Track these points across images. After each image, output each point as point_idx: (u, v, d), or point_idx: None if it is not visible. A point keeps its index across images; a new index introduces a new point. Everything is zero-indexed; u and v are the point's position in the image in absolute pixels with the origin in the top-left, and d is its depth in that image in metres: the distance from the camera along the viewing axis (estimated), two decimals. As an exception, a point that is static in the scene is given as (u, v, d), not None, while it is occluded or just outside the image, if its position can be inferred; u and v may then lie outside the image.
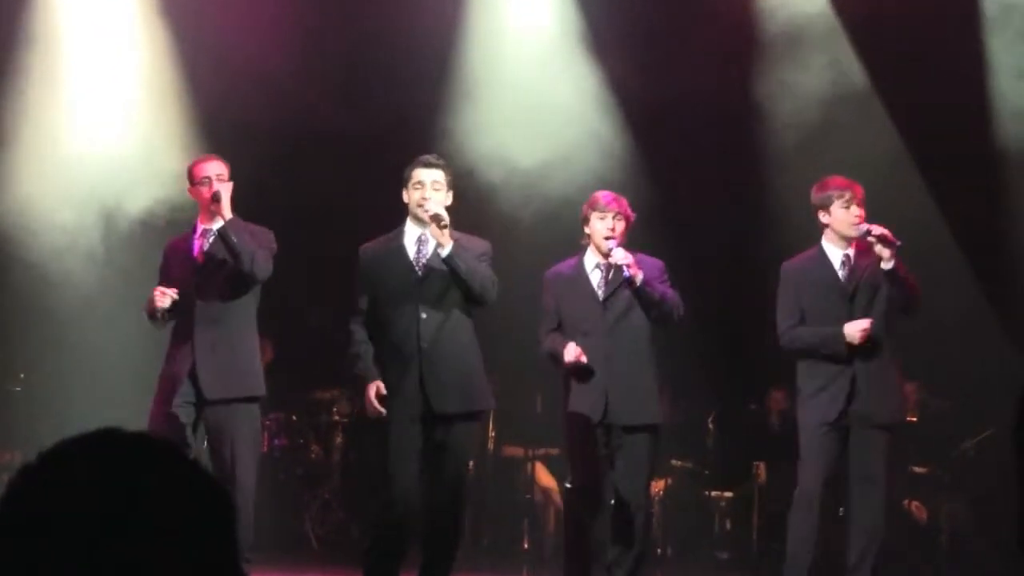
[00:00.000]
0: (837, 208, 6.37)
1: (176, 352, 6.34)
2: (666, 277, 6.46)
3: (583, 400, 6.39)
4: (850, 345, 6.26)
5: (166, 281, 6.42)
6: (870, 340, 6.28)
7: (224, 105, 9.19)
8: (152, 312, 6.31)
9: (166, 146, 9.14)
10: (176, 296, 6.25)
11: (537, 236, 8.76)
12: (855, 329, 6.24)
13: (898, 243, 6.20)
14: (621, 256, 6.24)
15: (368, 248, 6.21)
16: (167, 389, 6.31)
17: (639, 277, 6.24)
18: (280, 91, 9.38)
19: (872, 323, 6.25)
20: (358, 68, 9.54)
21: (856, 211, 6.34)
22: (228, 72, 9.17)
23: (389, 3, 9.59)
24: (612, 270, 6.40)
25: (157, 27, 9.44)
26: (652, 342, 6.49)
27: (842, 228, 6.37)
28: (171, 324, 6.43)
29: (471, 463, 9.57)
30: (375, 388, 5.98)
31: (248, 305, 6.42)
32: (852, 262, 6.40)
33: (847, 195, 6.35)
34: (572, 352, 6.30)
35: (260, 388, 6.42)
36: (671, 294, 6.39)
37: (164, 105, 9.46)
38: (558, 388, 6.74)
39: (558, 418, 6.78)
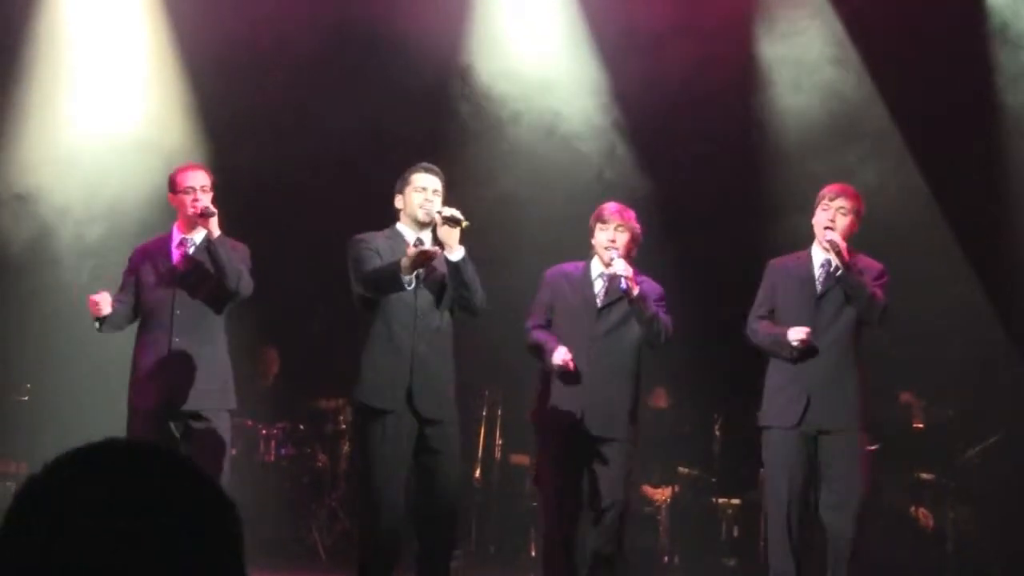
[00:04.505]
0: (818, 211, 6.41)
1: (148, 359, 6.31)
2: (663, 303, 6.49)
3: (558, 406, 6.40)
4: (798, 350, 6.24)
5: (135, 286, 6.40)
6: (831, 349, 6.28)
7: (227, 106, 9.21)
8: (97, 316, 6.28)
9: (170, 154, 9.16)
10: (110, 307, 6.23)
11: (537, 245, 8.76)
12: (794, 335, 6.23)
13: (845, 259, 6.21)
14: (621, 267, 6.27)
15: (370, 236, 6.16)
16: (143, 397, 6.29)
17: (635, 291, 6.27)
18: (282, 90, 9.39)
19: (809, 332, 6.21)
20: (357, 64, 9.52)
21: (830, 215, 6.35)
22: (230, 69, 9.18)
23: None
24: (614, 281, 6.43)
25: (160, 23, 9.47)
26: (637, 362, 6.51)
27: (817, 230, 6.41)
28: (136, 326, 6.43)
29: (477, 471, 9.63)
30: (413, 248, 5.86)
31: (223, 317, 6.43)
32: (831, 267, 6.41)
33: (826, 198, 6.37)
34: (561, 355, 6.30)
35: (233, 401, 6.42)
36: (664, 317, 6.43)
37: (168, 104, 9.50)
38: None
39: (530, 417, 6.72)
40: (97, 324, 6.33)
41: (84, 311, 6.36)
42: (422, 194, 6.10)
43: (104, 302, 6.25)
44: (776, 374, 6.42)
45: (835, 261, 6.28)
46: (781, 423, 6.30)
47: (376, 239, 6.15)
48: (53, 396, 9.04)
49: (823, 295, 6.37)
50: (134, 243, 8.88)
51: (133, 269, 6.49)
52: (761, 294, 6.55)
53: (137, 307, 6.41)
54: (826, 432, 6.26)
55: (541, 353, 6.43)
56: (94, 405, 8.33)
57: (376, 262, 6.01)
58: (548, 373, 6.48)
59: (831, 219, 6.34)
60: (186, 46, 9.47)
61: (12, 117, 9.29)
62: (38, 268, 9.38)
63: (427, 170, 6.18)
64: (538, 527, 6.79)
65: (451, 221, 5.93)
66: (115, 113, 9.43)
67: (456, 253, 5.96)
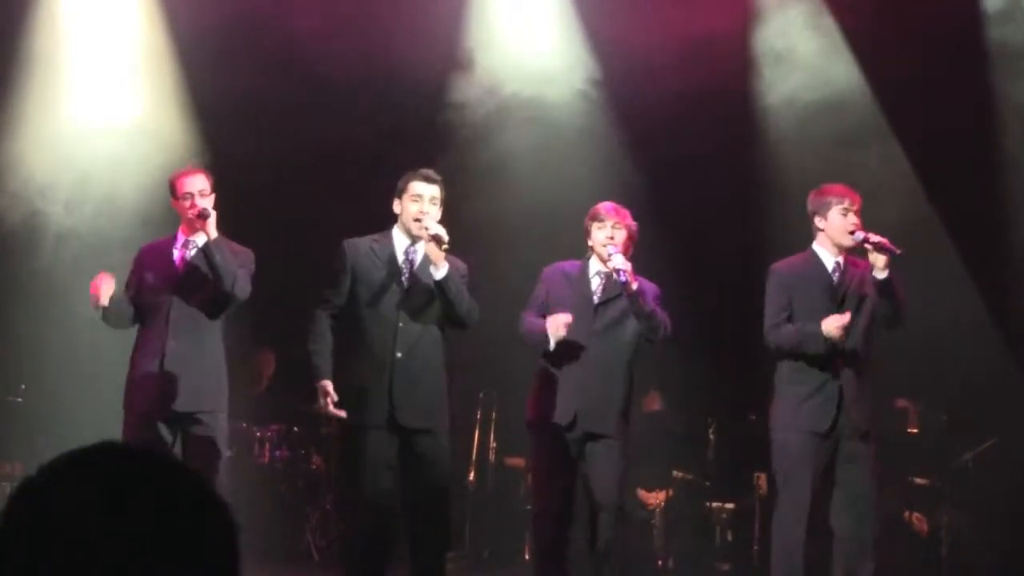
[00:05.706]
0: (835, 215, 6.37)
1: (145, 360, 6.31)
2: (660, 302, 6.50)
3: (552, 403, 6.40)
4: (829, 342, 6.20)
5: (137, 284, 6.41)
6: (855, 353, 6.26)
7: (224, 101, 9.20)
8: (95, 305, 6.28)
9: (168, 153, 9.15)
10: (107, 300, 6.23)
11: (535, 245, 8.75)
12: (831, 324, 6.16)
13: (897, 251, 6.18)
14: (620, 262, 6.29)
15: (355, 244, 6.19)
16: (139, 399, 6.29)
17: (634, 285, 6.27)
18: (279, 86, 9.37)
19: (850, 318, 6.21)
20: (356, 61, 9.51)
21: (853, 219, 6.35)
22: (226, 61, 9.17)
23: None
24: (611, 278, 6.44)
25: (156, 13, 9.46)
26: (634, 360, 6.54)
27: (837, 235, 6.37)
28: (137, 328, 6.43)
29: (471, 474, 9.62)
30: (323, 388, 6.01)
31: (220, 319, 6.42)
32: (843, 269, 6.41)
33: (846, 202, 6.36)
34: (560, 319, 6.28)
35: (225, 403, 6.41)
36: (662, 313, 6.44)
37: (163, 94, 9.49)
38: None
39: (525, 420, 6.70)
40: (98, 312, 6.32)
41: (75, 307, 6.35)
42: (417, 203, 6.09)
43: (104, 292, 6.24)
44: (799, 382, 6.33)
45: (879, 262, 6.19)
46: (812, 428, 6.24)
47: (360, 250, 6.15)
48: (50, 397, 9.02)
49: (844, 298, 6.35)
50: (126, 232, 8.90)
51: (137, 269, 6.49)
52: (778, 300, 6.42)
53: (137, 307, 6.41)
54: (852, 434, 6.25)
55: (536, 334, 6.41)
56: (89, 406, 8.32)
57: (342, 288, 6.10)
58: (544, 372, 6.49)
59: (855, 223, 6.33)
60: (183, 37, 9.45)
61: (8, 105, 9.28)
62: (28, 257, 9.36)
63: (425, 178, 6.14)
64: (531, 529, 6.76)
65: (436, 240, 5.94)
66: (110, 102, 9.42)
67: (440, 271, 5.97)
